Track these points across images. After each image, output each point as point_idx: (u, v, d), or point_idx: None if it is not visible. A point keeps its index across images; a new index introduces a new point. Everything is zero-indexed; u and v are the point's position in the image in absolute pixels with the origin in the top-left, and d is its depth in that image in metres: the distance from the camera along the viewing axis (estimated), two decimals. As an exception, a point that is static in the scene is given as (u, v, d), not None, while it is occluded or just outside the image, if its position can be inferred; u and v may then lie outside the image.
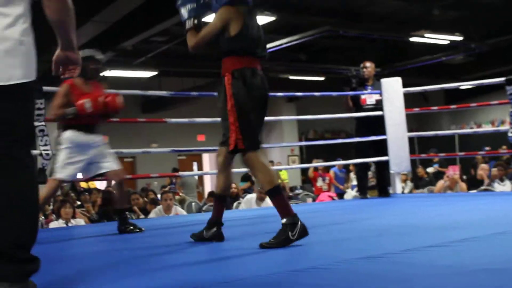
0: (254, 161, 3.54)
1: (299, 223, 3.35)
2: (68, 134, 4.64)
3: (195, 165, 20.26)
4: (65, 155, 4.59)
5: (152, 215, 7.86)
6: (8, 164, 2.23)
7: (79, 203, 10.52)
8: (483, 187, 9.07)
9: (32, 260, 2.20)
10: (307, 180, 16.99)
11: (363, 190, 7.67)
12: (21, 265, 2.16)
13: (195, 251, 3.49)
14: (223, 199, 3.89)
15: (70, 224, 7.09)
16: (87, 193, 11.77)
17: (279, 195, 3.48)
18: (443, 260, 2.58)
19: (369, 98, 7.42)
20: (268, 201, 7.47)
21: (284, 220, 3.37)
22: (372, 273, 2.38)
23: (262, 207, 7.72)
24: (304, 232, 3.32)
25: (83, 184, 13.63)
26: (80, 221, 7.58)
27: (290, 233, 3.32)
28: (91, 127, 4.74)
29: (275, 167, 15.11)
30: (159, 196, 11.11)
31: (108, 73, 14.11)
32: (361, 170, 7.75)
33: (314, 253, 3.19)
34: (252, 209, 7.73)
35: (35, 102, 2.65)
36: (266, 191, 3.63)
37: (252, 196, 8.57)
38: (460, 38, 14.32)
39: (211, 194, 11.22)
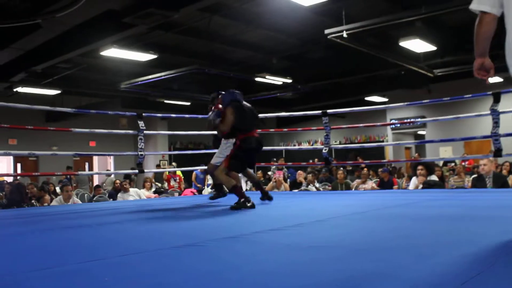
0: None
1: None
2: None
3: (87, 165, 19.44)
4: None
5: (54, 203, 7.46)
6: None
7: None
8: (303, 188, 9.40)
9: None
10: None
11: (217, 187, 7.68)
12: None
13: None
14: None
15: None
16: (-2, 185, 11.06)
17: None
18: (283, 239, 2.65)
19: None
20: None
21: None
22: (235, 249, 2.42)
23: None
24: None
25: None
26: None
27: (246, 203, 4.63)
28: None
29: (150, 170, 14.86)
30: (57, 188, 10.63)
31: (20, 89, 13.25)
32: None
33: (187, 232, 3.17)
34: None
35: None
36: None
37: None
38: (290, 81, 14.88)
39: (97, 186, 10.82)
